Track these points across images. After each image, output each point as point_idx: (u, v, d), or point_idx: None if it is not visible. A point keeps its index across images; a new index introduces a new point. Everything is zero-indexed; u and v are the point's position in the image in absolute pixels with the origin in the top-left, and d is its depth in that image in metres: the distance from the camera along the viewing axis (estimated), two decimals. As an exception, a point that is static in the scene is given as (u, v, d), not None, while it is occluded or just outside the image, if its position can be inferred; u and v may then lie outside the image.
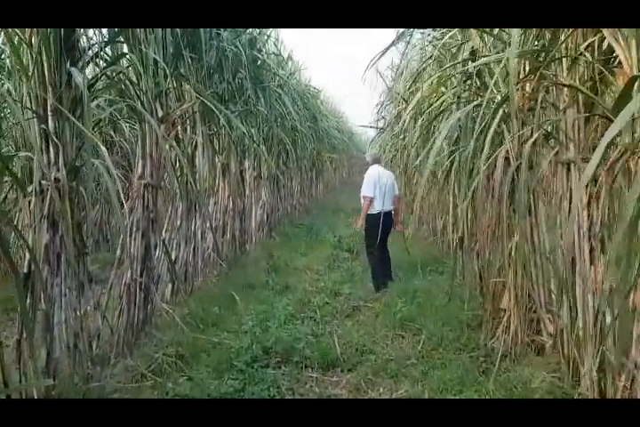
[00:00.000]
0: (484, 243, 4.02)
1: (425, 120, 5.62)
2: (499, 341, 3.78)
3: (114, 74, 3.52)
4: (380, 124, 12.93)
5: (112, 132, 8.54)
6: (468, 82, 4.06)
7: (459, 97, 4.14)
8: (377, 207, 6.22)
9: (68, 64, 3.14)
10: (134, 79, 3.72)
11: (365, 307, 5.50)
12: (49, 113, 3.19)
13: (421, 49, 7.04)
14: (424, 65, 5.30)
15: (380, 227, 6.07)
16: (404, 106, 9.39)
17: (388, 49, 5.23)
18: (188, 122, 4.86)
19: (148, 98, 3.81)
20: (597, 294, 2.90)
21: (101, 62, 3.34)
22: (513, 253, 3.65)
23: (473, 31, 3.63)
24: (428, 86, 4.80)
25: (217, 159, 6.30)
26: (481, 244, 4.23)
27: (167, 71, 3.64)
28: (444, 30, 4.55)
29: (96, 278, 5.47)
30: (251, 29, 6.39)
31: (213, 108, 4.43)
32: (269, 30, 7.23)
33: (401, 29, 5.56)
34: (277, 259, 7.52)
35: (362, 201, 6.35)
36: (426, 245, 7.96)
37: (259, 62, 6.56)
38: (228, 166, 6.72)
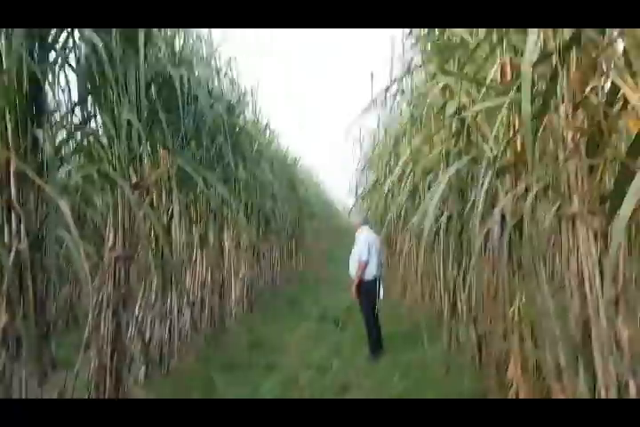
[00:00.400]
0: (483, 308, 3.75)
1: (409, 182, 5.48)
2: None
3: (84, 137, 3.32)
4: (359, 191, 12.98)
5: (83, 204, 8.27)
6: (454, 139, 3.96)
7: (447, 154, 4.03)
8: (373, 272, 5.98)
9: (34, 126, 2.93)
10: (106, 142, 3.52)
11: (355, 384, 5.08)
12: (11, 178, 2.94)
13: (400, 110, 7.09)
14: (406, 126, 5.24)
15: (377, 293, 5.84)
16: (385, 169, 9.43)
17: (361, 116, 5.20)
18: (163, 189, 4.63)
19: (120, 163, 3.60)
20: (620, 360, 2.61)
21: (69, 126, 3.15)
22: (516, 317, 3.38)
23: (458, 87, 3.55)
24: (410, 147, 4.69)
25: (194, 229, 6.04)
26: (479, 309, 3.97)
27: (142, 134, 3.44)
28: (423, 91, 4.53)
29: (64, 363, 5.04)
30: (229, 97, 6.37)
31: (192, 172, 4.23)
32: (247, 98, 7.24)
33: (375, 97, 5.54)
34: (259, 336, 7.09)
35: (353, 266, 6.06)
36: (413, 313, 7.62)
37: (237, 129, 6.47)
38: (205, 236, 6.44)
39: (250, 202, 7.81)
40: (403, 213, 6.92)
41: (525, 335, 3.40)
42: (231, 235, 8.13)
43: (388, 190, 6.52)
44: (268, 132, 9.56)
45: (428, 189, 6.02)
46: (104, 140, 3.54)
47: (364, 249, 6.10)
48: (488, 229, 3.72)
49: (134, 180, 3.88)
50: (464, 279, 4.91)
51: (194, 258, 6.33)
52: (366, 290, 5.92)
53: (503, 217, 3.62)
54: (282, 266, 12.94)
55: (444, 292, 5.51)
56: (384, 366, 5.33)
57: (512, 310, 3.48)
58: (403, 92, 6.00)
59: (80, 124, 3.27)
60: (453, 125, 4.00)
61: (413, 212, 6.03)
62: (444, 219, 5.09)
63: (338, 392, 4.86)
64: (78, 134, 3.27)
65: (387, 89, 6.16)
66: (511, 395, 3.41)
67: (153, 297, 4.86)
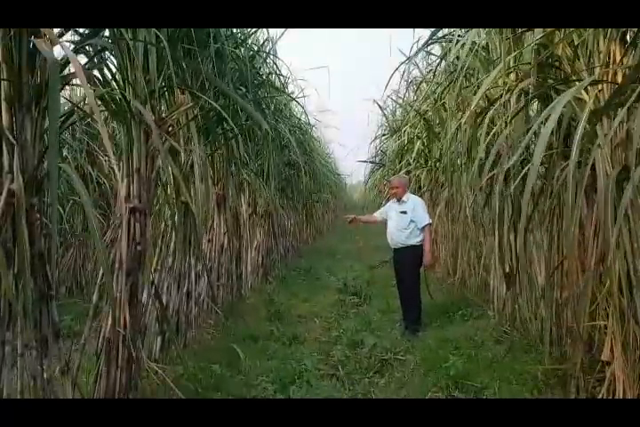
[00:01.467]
0: (568, 274, 3.16)
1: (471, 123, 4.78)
2: (602, 404, 2.85)
3: (92, 53, 2.69)
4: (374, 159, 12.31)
5: (89, 167, 7.65)
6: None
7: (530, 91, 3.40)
8: (421, 237, 5.43)
9: (32, 36, 2.30)
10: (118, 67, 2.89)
11: (397, 360, 4.52)
12: (2, 102, 2.33)
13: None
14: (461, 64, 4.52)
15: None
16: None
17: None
18: (181, 137, 4.01)
19: (136, 93, 2.97)
20: None
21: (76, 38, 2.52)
22: (615, 287, 2.78)
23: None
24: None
25: (212, 189, 5.42)
26: (549, 280, 3.39)
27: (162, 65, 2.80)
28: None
29: (67, 332, 4.51)
30: (250, 44, 5.68)
31: (221, 108, 3.58)
32: (269, 46, 6.54)
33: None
34: (279, 305, 6.54)
35: (401, 234, 5.47)
36: (446, 287, 7.05)
37: (257, 81, 5.79)
38: (224, 199, 5.83)
39: (267, 164, 7.17)
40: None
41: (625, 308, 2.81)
42: (247, 200, 7.54)
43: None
44: (290, 87, 8.83)
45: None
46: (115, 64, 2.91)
47: (424, 212, 5.55)
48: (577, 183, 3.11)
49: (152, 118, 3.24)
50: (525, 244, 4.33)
51: (211, 221, 5.74)
52: (415, 256, 5.34)
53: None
54: (294, 237, 12.36)
55: (494, 260, 4.92)
56: (428, 341, 4.77)
57: (611, 277, 2.89)
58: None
59: (89, 34, 2.63)
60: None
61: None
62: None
63: (378, 369, 4.32)
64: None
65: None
66: (608, 378, 2.84)
67: (170, 260, 4.27)
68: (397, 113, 11.09)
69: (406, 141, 9.82)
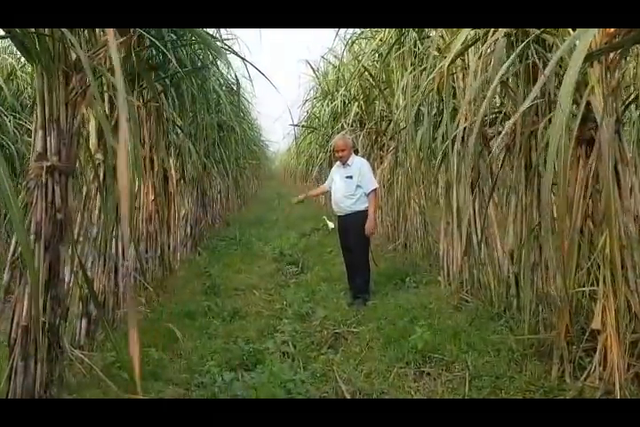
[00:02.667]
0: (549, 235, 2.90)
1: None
2: (592, 376, 2.65)
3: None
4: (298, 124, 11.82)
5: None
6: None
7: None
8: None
9: None
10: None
11: (350, 333, 4.20)
12: None
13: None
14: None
15: None
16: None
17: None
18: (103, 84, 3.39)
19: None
20: None
21: None
22: (615, 246, 2.54)
23: None
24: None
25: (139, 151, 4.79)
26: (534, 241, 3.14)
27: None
28: None
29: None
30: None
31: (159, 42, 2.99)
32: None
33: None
34: (214, 278, 6.06)
35: (347, 200, 5.10)
36: (389, 253, 6.80)
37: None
38: (152, 162, 5.22)
39: (196, 123, 6.55)
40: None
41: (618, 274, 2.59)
42: (175, 164, 6.90)
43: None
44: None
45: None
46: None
47: (371, 176, 5.17)
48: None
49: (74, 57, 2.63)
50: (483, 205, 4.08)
51: (137, 187, 5.12)
52: (364, 223, 5.00)
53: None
54: (222, 205, 11.77)
55: (450, 224, 4.67)
56: (380, 311, 4.48)
57: (602, 240, 2.66)
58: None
59: None
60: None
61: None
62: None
63: (332, 344, 3.99)
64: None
65: None
66: (600, 348, 2.63)
67: (94, 230, 3.69)
68: (330, 75, 10.60)
69: (340, 104, 9.42)
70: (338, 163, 5.37)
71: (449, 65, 3.63)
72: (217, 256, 7.81)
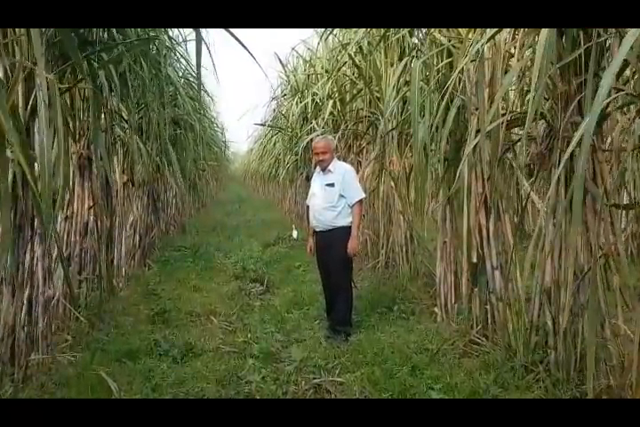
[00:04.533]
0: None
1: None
2: None
3: None
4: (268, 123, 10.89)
5: None
6: None
7: None
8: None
9: None
10: None
11: (334, 384, 3.32)
12: None
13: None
14: None
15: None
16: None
17: None
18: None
19: None
20: None
21: None
22: None
23: None
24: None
25: (72, 147, 3.85)
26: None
27: None
28: None
29: None
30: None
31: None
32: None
33: None
34: (164, 300, 5.12)
35: (328, 213, 4.26)
36: (369, 273, 5.97)
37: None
38: (89, 162, 4.26)
39: (147, 117, 5.60)
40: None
41: None
42: (122, 165, 5.93)
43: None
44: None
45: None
46: None
47: (356, 184, 4.35)
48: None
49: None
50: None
51: (70, 192, 4.17)
52: (346, 240, 4.16)
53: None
54: (177, 210, 10.75)
55: (450, 241, 3.87)
56: (368, 352, 3.64)
57: None
58: None
59: None
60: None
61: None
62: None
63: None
64: None
65: None
66: None
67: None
68: (300, 70, 9.72)
69: (310, 103, 8.57)
70: (317, 169, 4.51)
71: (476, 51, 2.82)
72: (169, 271, 6.84)
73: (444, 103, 3.63)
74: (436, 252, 4.38)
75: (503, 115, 3.19)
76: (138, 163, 5.98)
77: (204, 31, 3.93)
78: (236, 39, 2.77)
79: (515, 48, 3.05)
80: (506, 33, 3.39)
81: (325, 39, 7.51)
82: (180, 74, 7.38)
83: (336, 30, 7.21)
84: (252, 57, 2.77)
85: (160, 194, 8.36)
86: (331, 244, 4.26)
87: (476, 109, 3.57)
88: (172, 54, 6.32)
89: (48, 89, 2.45)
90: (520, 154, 3.20)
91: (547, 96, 2.92)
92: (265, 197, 20.33)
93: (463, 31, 3.63)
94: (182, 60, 7.04)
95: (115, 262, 5.71)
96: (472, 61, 3.54)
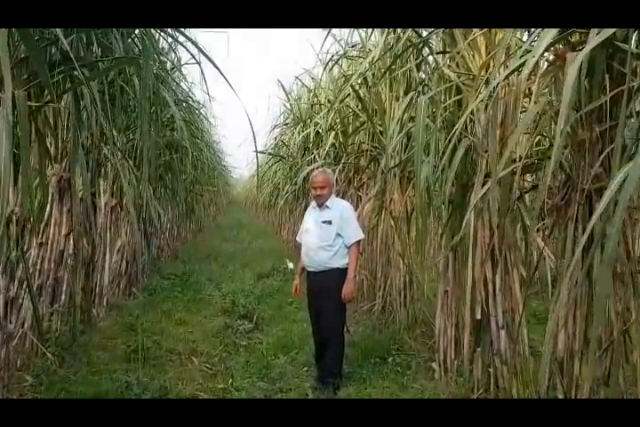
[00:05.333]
0: None
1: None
2: None
3: None
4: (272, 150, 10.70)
5: None
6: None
7: None
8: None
9: None
10: None
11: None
12: None
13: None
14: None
15: None
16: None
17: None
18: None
19: None
20: None
21: None
22: None
23: None
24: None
25: (49, 168, 3.60)
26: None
27: None
28: None
29: None
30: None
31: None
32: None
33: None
34: (144, 336, 4.79)
35: (323, 253, 3.96)
36: (363, 316, 5.63)
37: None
38: (69, 184, 4.01)
39: (140, 140, 5.36)
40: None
41: None
42: (111, 187, 5.68)
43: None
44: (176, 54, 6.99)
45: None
46: None
47: (355, 223, 4.07)
48: None
49: None
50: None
51: (46, 216, 3.90)
52: (341, 284, 3.87)
53: None
54: (171, 234, 10.47)
55: (452, 291, 3.57)
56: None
57: None
58: None
59: None
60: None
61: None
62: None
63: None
64: None
65: None
66: None
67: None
68: (304, 99, 9.57)
69: (312, 133, 8.38)
70: (313, 204, 4.24)
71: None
72: (155, 301, 6.52)
73: (451, 144, 3.39)
74: (436, 299, 4.09)
75: (515, 160, 2.92)
76: (128, 186, 5.72)
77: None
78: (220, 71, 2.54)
79: (529, 88, 2.81)
80: (523, 72, 3.16)
81: (330, 69, 7.34)
82: (181, 97, 7.21)
83: (342, 61, 7.06)
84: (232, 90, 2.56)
85: (153, 218, 8.10)
86: (324, 287, 3.96)
87: (486, 152, 3.33)
88: (171, 77, 6.14)
89: (15, 107, 2.21)
90: (534, 203, 2.93)
91: (565, 143, 2.67)
92: (265, 224, 20.04)
93: (474, 67, 3.42)
94: (183, 83, 6.87)
95: (96, 290, 5.43)
96: (483, 101, 3.31)
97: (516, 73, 3.02)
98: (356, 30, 6.43)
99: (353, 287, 3.96)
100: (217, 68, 2.34)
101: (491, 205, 3.14)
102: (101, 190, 5.19)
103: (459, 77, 3.45)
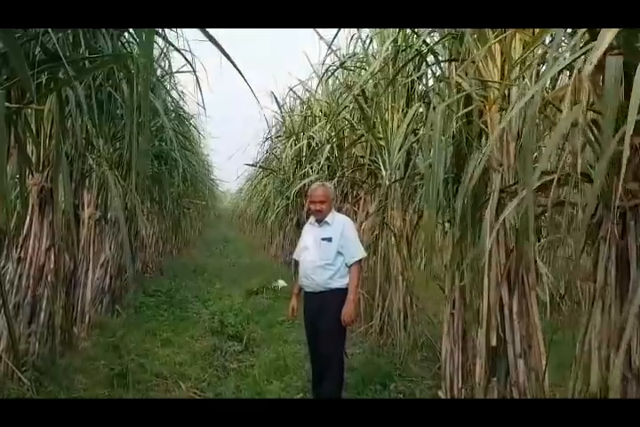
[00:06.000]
0: None
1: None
2: None
3: None
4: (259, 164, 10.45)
5: None
6: None
7: None
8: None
9: None
10: None
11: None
12: None
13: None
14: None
15: None
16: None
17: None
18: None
19: None
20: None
21: None
22: None
23: None
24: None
25: (30, 177, 3.33)
26: None
27: None
28: None
29: None
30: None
31: None
32: None
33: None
34: (127, 359, 4.48)
35: (321, 271, 3.71)
36: (361, 339, 5.35)
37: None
38: (51, 195, 3.73)
39: (127, 150, 5.11)
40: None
41: None
42: (95, 199, 5.40)
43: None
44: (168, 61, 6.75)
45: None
46: None
47: (357, 241, 3.81)
48: None
49: None
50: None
51: (25, 230, 3.61)
52: (341, 305, 3.61)
53: None
54: (156, 249, 10.15)
55: (459, 314, 3.33)
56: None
57: None
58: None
59: None
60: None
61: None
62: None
63: None
64: None
65: None
66: None
67: None
68: (297, 111, 9.37)
69: (305, 147, 8.17)
70: (311, 220, 3.99)
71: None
72: (140, 319, 6.21)
73: (461, 157, 3.18)
74: (438, 319, 3.86)
75: (546, 173, 2.70)
76: (114, 198, 5.44)
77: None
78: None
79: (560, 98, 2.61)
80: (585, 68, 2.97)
81: (326, 80, 7.16)
82: (171, 106, 6.96)
83: (338, 72, 6.89)
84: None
85: (140, 232, 7.80)
86: (322, 308, 3.70)
87: (500, 166, 3.13)
88: (162, 85, 5.91)
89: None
90: (564, 219, 2.71)
91: (596, 156, 2.46)
92: (252, 239, 19.71)
93: (488, 76, 3.22)
94: (174, 92, 6.64)
95: (78, 308, 5.11)
96: (499, 111, 3.12)
97: (544, 81, 2.84)
98: (354, 40, 6.28)
99: (353, 310, 3.70)
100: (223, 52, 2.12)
101: (507, 222, 2.93)
102: (85, 202, 4.91)
103: (470, 86, 3.25)
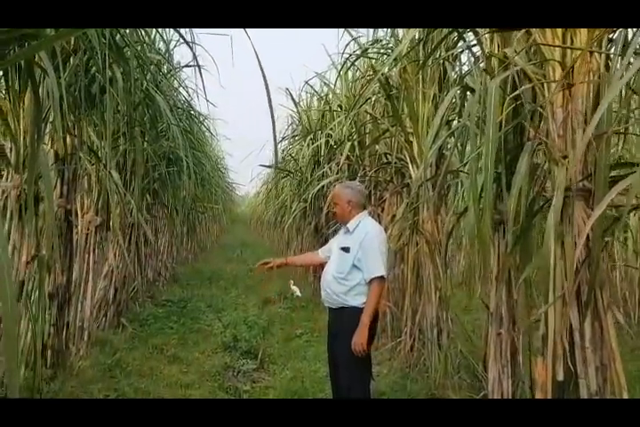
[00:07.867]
0: None
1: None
2: None
3: None
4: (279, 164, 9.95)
5: None
6: None
7: None
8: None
9: None
10: None
11: None
12: None
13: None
14: None
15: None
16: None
17: None
18: None
19: None
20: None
21: None
22: None
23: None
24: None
25: (7, 179, 2.85)
26: None
27: None
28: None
29: None
30: None
31: None
32: None
33: None
34: (124, 383, 4.00)
35: (338, 285, 3.18)
36: (387, 355, 4.79)
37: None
38: (37, 199, 3.25)
39: (131, 150, 4.65)
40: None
41: None
42: (95, 204, 4.93)
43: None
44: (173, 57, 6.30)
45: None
46: None
47: (378, 254, 3.15)
48: None
49: None
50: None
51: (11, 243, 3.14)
52: (366, 329, 3.04)
53: None
54: (170, 255, 9.69)
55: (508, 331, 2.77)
56: None
57: None
58: None
59: None
60: None
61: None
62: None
63: None
64: None
65: None
66: None
67: None
68: (314, 108, 8.85)
69: (324, 145, 7.63)
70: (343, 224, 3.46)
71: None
72: (146, 333, 5.73)
73: (512, 147, 2.61)
74: (475, 335, 3.31)
75: (615, 165, 2.15)
76: (117, 202, 4.96)
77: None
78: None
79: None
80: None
81: (345, 72, 6.61)
82: (180, 106, 6.50)
83: (358, 62, 6.35)
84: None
85: (149, 238, 7.32)
86: (339, 328, 3.16)
87: (564, 158, 2.56)
88: (167, 81, 5.44)
89: None
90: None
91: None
92: (270, 244, 19.24)
93: (546, 51, 2.66)
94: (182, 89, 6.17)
95: (76, 324, 4.64)
96: (562, 90, 2.56)
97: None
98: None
99: (365, 336, 3.05)
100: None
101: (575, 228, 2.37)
102: (78, 207, 4.43)
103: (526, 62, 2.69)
